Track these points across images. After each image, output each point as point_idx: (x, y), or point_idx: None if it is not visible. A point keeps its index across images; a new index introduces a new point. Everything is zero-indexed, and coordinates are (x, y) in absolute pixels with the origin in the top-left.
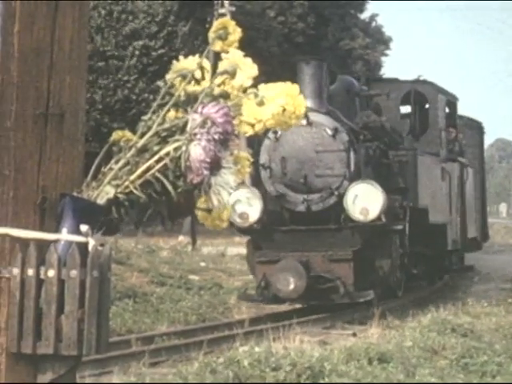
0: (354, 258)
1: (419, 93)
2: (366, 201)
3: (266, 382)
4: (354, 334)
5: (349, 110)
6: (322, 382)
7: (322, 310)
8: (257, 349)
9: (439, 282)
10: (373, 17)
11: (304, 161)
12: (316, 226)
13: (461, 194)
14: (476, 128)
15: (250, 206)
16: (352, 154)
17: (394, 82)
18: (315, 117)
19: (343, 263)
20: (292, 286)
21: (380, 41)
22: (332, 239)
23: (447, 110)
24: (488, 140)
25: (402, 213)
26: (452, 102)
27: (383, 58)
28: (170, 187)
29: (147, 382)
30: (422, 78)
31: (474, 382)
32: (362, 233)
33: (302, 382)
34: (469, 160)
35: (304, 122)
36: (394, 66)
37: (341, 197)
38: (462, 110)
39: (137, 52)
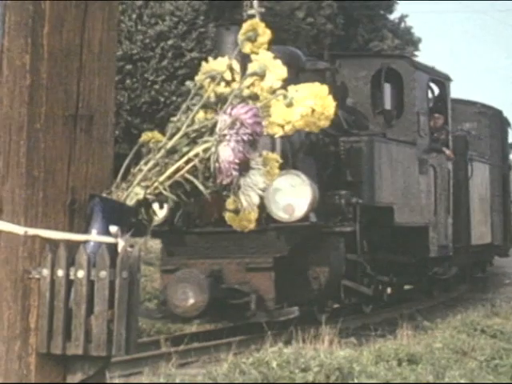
0: (276, 267)
1: (392, 70)
2: (290, 196)
3: (295, 382)
4: (383, 336)
5: None
6: (351, 382)
7: (347, 312)
8: (286, 350)
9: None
10: (402, 18)
11: None
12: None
13: (459, 191)
14: (493, 117)
15: (155, 204)
16: (278, 140)
17: (363, 57)
18: None
19: (262, 273)
20: (191, 301)
21: (409, 42)
22: (254, 243)
23: (436, 92)
24: None
25: (351, 212)
26: (440, 81)
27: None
28: (201, 187)
29: (177, 382)
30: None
31: (504, 383)
32: (290, 235)
33: (331, 382)
34: (483, 154)
35: None
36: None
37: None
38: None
39: (169, 54)
